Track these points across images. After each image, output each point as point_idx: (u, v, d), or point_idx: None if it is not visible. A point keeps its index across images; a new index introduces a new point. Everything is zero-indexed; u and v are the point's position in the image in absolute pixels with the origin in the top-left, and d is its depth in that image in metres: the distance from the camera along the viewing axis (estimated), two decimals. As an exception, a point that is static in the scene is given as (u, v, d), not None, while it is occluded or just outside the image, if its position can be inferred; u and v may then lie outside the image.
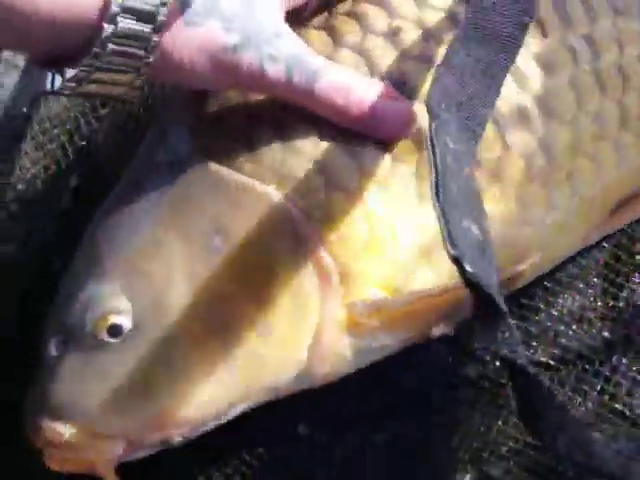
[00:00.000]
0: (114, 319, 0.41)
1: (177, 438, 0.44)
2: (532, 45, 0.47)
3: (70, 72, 0.40)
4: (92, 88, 0.42)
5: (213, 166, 0.45)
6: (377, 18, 0.47)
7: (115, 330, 0.41)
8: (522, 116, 0.47)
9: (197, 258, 0.43)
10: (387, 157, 0.45)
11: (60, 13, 0.38)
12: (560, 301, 0.54)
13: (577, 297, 0.54)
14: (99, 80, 0.41)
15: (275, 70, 0.42)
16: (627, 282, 0.54)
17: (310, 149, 0.45)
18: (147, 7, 0.39)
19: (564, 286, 0.54)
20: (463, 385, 0.53)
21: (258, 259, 0.44)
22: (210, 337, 0.43)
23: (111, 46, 0.38)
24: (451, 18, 0.47)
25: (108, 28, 0.38)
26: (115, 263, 0.43)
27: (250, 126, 0.46)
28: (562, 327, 0.53)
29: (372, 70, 0.46)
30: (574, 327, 0.54)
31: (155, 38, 0.40)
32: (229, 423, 0.47)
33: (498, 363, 0.53)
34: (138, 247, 0.44)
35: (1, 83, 0.62)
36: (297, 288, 0.43)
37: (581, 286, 0.54)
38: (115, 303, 0.42)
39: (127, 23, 0.38)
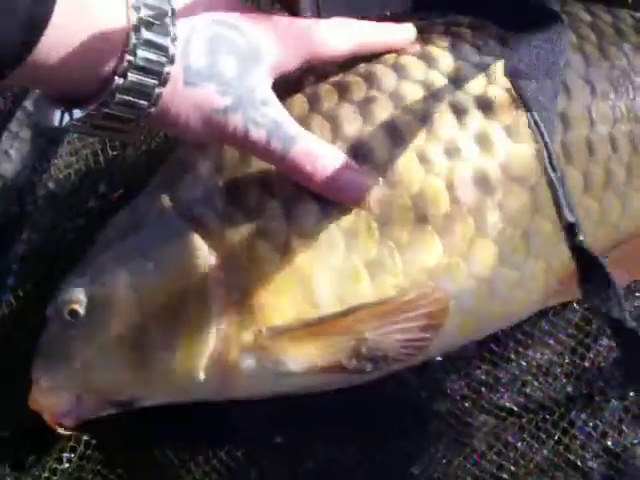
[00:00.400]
0: (74, 306, 0.53)
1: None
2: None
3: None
4: (95, 131, 0.46)
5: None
6: (356, 87, 0.52)
7: (74, 314, 0.53)
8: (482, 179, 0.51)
9: (136, 278, 0.53)
10: (317, 212, 0.50)
11: (76, 64, 0.41)
12: (530, 354, 0.58)
13: (546, 352, 0.58)
14: (102, 126, 0.45)
15: (257, 134, 0.47)
16: (594, 344, 0.58)
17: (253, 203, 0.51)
18: (163, 42, 0.43)
19: (535, 340, 0.58)
20: (431, 418, 0.58)
21: (178, 287, 0.52)
22: (130, 338, 0.52)
23: (119, 96, 0.42)
24: (427, 89, 0.52)
25: (119, 81, 0.42)
26: (86, 269, 0.55)
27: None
28: (529, 377, 0.58)
29: (338, 137, 0.51)
30: (540, 379, 0.58)
31: (158, 91, 0.43)
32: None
33: (467, 404, 0.58)
34: (102, 262, 0.55)
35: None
36: (202, 315, 0.51)
37: (551, 342, 0.58)
38: (77, 296, 0.53)
39: (136, 76, 0.42)
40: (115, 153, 0.64)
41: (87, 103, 0.43)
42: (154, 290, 0.52)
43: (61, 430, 0.53)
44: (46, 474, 0.58)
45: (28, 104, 0.66)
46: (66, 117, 0.44)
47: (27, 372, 0.55)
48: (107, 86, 0.42)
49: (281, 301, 0.50)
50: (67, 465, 0.58)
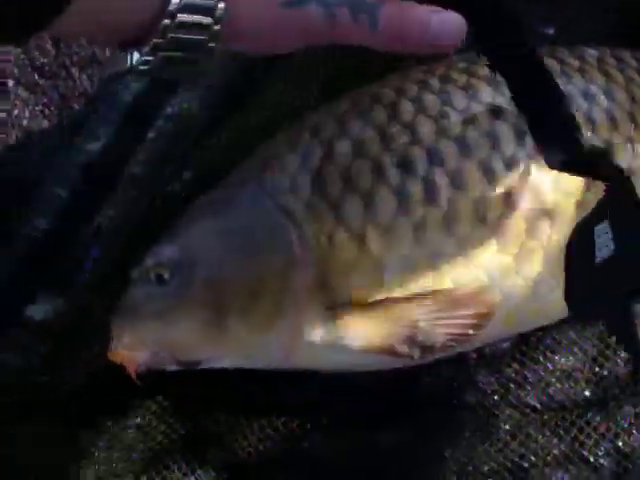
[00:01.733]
0: (160, 270, 0.58)
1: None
2: None
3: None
4: (164, 68, 0.43)
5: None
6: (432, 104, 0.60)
7: (160, 277, 0.58)
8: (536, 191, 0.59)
9: (222, 251, 0.59)
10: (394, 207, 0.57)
11: None
12: (556, 358, 0.65)
13: (571, 358, 0.65)
14: (170, 58, 0.42)
15: (340, 13, 0.44)
16: (613, 355, 0.65)
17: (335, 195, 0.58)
18: None
19: (562, 347, 0.65)
20: (461, 408, 0.65)
21: (261, 264, 0.58)
22: (210, 303, 0.57)
23: (180, 17, 0.40)
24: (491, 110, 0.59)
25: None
26: (175, 238, 0.61)
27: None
28: (553, 379, 0.65)
29: (415, 142, 0.58)
30: (563, 382, 0.65)
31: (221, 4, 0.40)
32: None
33: (495, 397, 0.65)
34: (191, 233, 0.60)
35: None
36: (281, 288, 0.57)
37: (576, 350, 0.65)
38: (165, 261, 0.59)
39: None
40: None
41: (147, 38, 0.41)
42: (238, 264, 0.58)
43: (138, 382, 0.58)
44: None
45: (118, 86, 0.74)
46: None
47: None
48: (165, 8, 0.40)
49: (352, 283, 0.57)
50: (139, 420, 0.64)
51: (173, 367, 0.60)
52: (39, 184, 0.69)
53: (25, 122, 0.76)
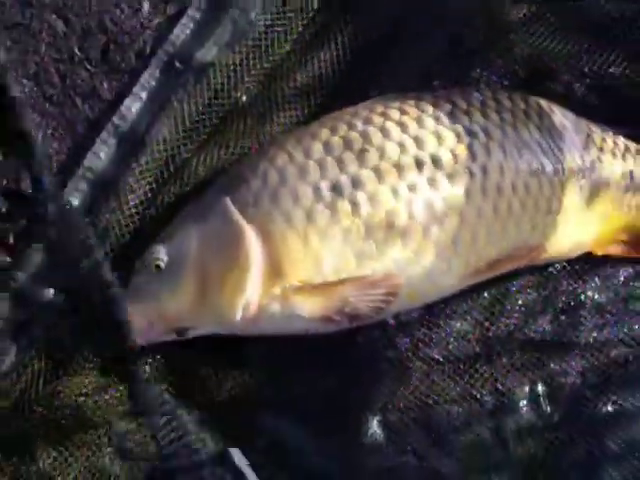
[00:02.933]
0: (158, 262, 0.81)
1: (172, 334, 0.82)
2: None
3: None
4: None
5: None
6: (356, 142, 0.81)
7: (157, 267, 0.81)
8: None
9: (202, 246, 0.81)
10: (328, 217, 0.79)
11: None
12: (453, 323, 0.88)
13: (464, 323, 0.89)
14: None
15: None
16: (497, 321, 0.88)
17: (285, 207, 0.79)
18: None
19: (458, 315, 0.88)
20: (383, 361, 0.86)
21: (230, 255, 0.79)
22: (193, 284, 0.79)
23: None
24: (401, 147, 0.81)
25: None
26: (167, 238, 0.82)
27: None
28: (452, 339, 0.88)
29: (344, 173, 0.80)
30: (459, 340, 0.88)
31: None
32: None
33: (408, 354, 0.86)
34: (179, 234, 0.82)
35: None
36: (245, 271, 0.78)
37: (468, 317, 0.89)
38: (161, 255, 0.81)
39: None
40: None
41: None
42: (212, 257, 0.79)
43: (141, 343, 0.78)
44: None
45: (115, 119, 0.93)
46: None
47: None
48: None
49: (300, 269, 0.78)
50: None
51: (168, 336, 0.81)
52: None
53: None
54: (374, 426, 0.84)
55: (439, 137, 0.81)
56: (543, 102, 0.90)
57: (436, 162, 0.80)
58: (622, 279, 0.94)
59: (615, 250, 0.91)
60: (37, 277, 0.86)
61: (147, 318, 0.79)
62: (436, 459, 0.84)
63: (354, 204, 0.78)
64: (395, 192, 0.79)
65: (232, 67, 0.93)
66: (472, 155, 0.81)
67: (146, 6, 0.98)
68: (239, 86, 0.92)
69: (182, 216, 0.84)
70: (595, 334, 0.90)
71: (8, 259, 0.88)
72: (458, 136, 0.82)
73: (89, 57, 0.97)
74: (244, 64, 0.93)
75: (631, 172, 0.91)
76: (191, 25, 0.93)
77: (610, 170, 0.89)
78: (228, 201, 0.80)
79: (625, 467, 0.84)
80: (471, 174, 0.81)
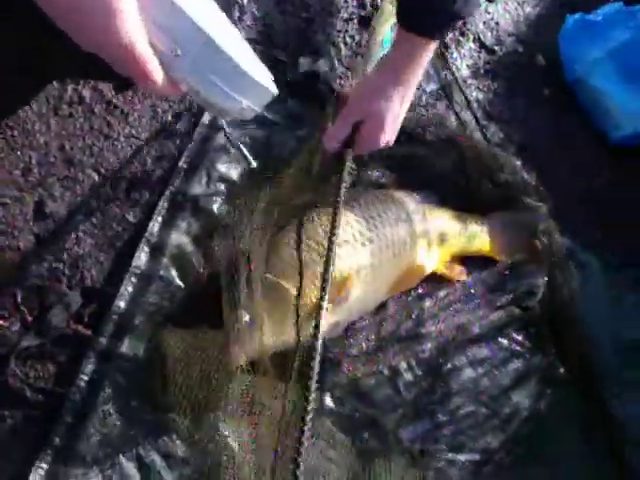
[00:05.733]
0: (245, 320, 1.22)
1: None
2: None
3: None
4: None
5: None
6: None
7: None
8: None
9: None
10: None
11: None
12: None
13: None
14: None
15: None
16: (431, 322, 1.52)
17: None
18: None
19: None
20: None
21: None
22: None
23: None
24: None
25: None
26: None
27: None
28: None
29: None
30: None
31: None
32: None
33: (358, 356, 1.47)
34: None
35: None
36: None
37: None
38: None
39: None
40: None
41: None
42: None
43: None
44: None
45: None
46: None
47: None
48: None
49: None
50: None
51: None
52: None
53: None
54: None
55: (351, 225, 1.41)
56: (400, 193, 1.54)
57: (354, 237, 1.38)
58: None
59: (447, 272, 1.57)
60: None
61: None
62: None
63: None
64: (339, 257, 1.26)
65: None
66: (369, 230, 1.42)
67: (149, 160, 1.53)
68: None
69: None
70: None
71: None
72: (360, 222, 1.42)
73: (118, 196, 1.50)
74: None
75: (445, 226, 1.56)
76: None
77: (440, 226, 1.55)
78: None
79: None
80: (371, 241, 1.41)
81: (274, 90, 1.08)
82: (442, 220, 1.58)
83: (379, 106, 1.21)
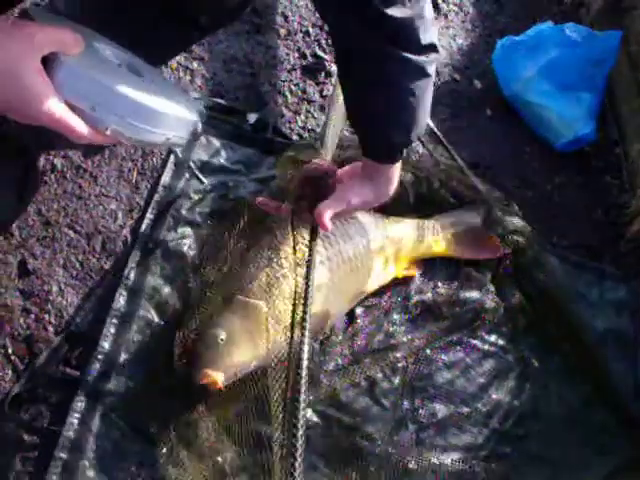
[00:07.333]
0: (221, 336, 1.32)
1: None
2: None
3: None
4: None
5: None
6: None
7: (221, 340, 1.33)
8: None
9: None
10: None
11: None
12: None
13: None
14: None
15: None
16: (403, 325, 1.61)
17: None
18: None
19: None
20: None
21: None
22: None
23: None
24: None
25: None
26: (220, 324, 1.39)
27: None
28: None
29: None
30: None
31: None
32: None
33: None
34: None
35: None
36: None
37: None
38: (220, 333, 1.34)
39: None
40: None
41: None
42: None
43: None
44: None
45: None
46: None
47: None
48: None
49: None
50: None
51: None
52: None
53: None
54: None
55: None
56: (359, 215, 1.63)
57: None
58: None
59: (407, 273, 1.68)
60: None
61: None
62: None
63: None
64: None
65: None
66: (326, 249, 1.51)
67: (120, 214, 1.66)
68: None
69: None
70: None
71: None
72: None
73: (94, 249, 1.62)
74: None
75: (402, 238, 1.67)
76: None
77: (396, 239, 1.66)
78: None
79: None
80: (329, 259, 1.51)
81: (194, 118, 1.20)
82: (398, 231, 1.68)
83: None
